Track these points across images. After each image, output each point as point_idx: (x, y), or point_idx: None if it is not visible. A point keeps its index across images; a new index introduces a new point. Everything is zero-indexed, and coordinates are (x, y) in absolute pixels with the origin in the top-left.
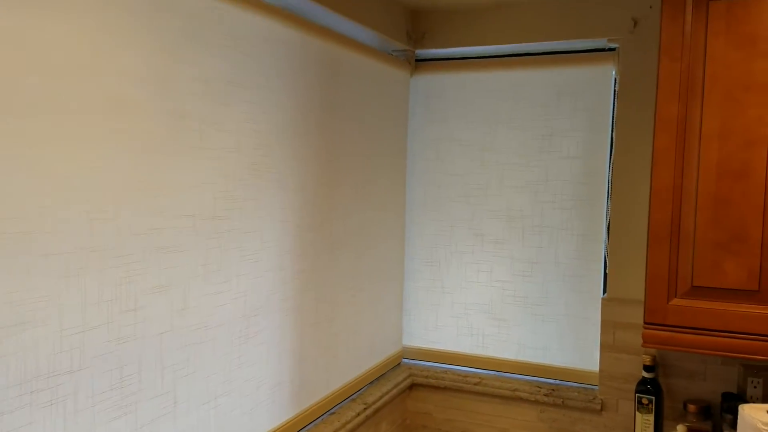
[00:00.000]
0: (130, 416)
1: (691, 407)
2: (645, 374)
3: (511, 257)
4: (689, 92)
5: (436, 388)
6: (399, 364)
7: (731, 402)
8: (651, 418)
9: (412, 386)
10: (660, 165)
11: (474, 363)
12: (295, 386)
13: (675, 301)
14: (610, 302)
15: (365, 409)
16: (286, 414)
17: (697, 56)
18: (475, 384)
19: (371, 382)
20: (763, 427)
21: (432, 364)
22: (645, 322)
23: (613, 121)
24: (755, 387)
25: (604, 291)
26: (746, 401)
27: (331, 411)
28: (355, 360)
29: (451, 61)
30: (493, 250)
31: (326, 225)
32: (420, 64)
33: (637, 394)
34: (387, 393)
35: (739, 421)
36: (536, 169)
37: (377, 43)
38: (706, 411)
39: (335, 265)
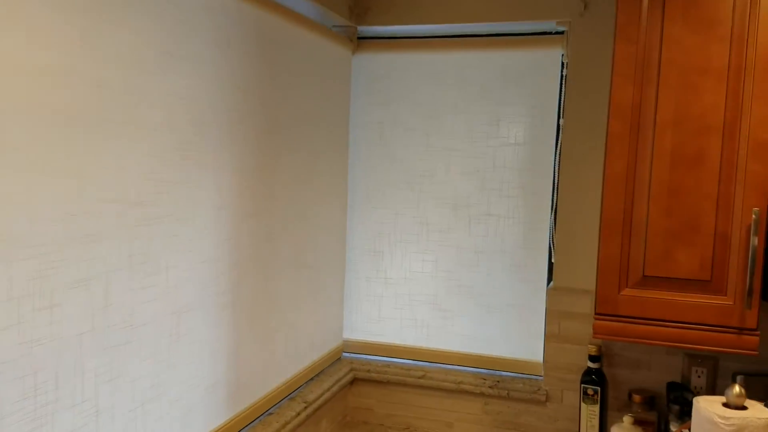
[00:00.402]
0: (45, 428)
1: (636, 397)
2: (590, 364)
3: (457, 246)
4: (644, 76)
5: (379, 382)
6: (339, 358)
7: (676, 392)
8: (596, 408)
9: (354, 381)
10: (613, 152)
11: (418, 356)
12: (232, 387)
13: (626, 291)
14: (555, 292)
15: (305, 407)
16: (221, 417)
17: (654, 39)
18: (419, 377)
19: (311, 379)
20: (720, 420)
21: (375, 357)
22: (596, 313)
23: (560, 107)
24: (699, 376)
25: (550, 281)
26: (691, 391)
27: (270, 411)
28: (294, 356)
29: (395, 40)
30: (439, 240)
31: (265, 212)
32: (363, 42)
33: (582, 385)
34: (328, 390)
35: (693, 414)
36: (483, 155)
37: (317, 16)
38: (650, 401)
39: (274, 255)
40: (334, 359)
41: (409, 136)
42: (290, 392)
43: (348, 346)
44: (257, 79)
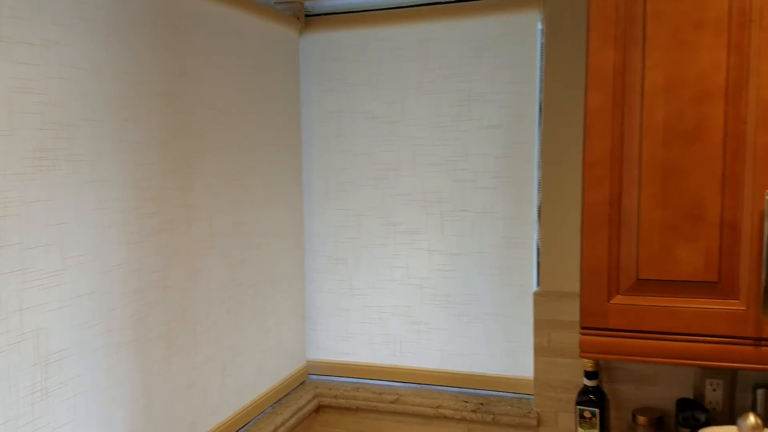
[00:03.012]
0: None
1: (641, 419)
2: (587, 382)
3: (428, 249)
4: (627, 35)
5: (347, 409)
6: (304, 382)
7: (687, 411)
8: None
9: (319, 408)
10: (594, 130)
11: (392, 375)
12: None
13: (617, 299)
14: (543, 297)
15: None
16: None
17: None
18: (392, 402)
19: (264, 411)
20: None
21: (344, 379)
22: (582, 327)
23: (541, 81)
24: (714, 390)
25: (537, 284)
26: (704, 409)
27: None
28: (237, 390)
29: (348, 14)
30: (408, 242)
31: (180, 228)
32: (311, 19)
33: (578, 407)
34: (283, 423)
35: None
36: (453, 142)
37: None
38: (658, 422)
39: (197, 277)
40: (297, 384)
41: (369, 126)
42: (235, 431)
43: (313, 367)
44: (160, 69)
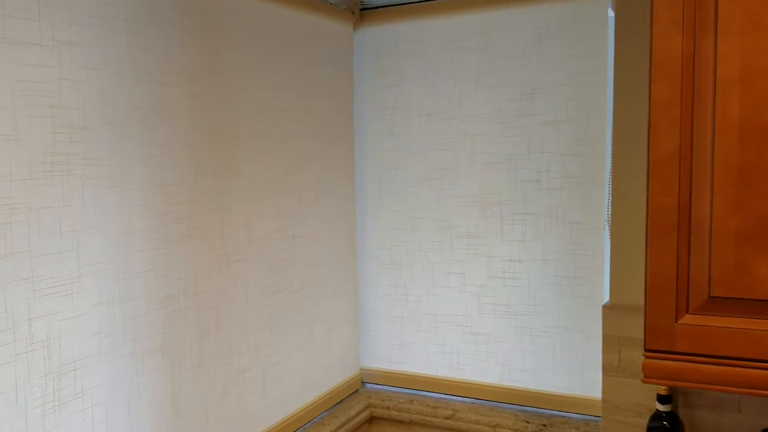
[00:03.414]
0: None
1: None
2: (659, 407)
3: (487, 255)
4: (697, 18)
5: (400, 422)
6: (357, 391)
7: None
8: None
9: (372, 420)
10: (659, 127)
11: (448, 389)
12: None
13: (686, 319)
14: (613, 311)
15: None
16: None
17: None
18: (447, 417)
19: (312, 420)
20: None
21: (399, 389)
22: (646, 349)
23: (612, 72)
24: None
25: (607, 296)
26: None
27: None
28: (280, 399)
29: (405, 5)
30: (465, 247)
31: (212, 233)
32: (366, 12)
33: None
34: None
35: None
36: (514, 139)
37: None
38: None
39: (233, 283)
40: (350, 392)
41: (424, 123)
42: None
43: (367, 375)
44: (190, 69)
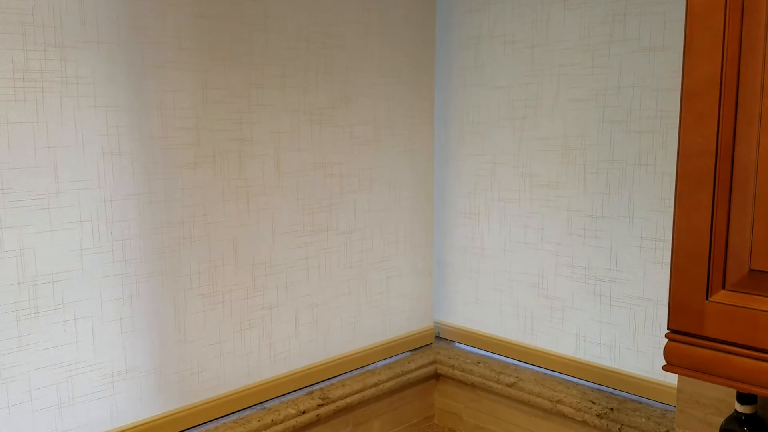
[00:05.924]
0: None
1: None
2: (738, 408)
3: (567, 209)
4: None
5: (464, 384)
6: (430, 344)
7: None
8: None
9: (439, 377)
10: (696, 45)
11: (520, 355)
12: (169, 376)
13: (720, 296)
14: None
15: (321, 405)
16: (150, 410)
17: None
18: (509, 385)
19: (360, 368)
20: None
21: (472, 349)
22: (669, 329)
23: None
24: None
25: None
26: None
27: (284, 398)
28: (318, 341)
29: None
30: (545, 198)
31: (227, 163)
32: None
33: None
34: (376, 384)
35: None
36: (603, 70)
37: None
38: None
39: (258, 217)
40: (418, 346)
41: (509, 52)
42: (310, 384)
43: (442, 330)
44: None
